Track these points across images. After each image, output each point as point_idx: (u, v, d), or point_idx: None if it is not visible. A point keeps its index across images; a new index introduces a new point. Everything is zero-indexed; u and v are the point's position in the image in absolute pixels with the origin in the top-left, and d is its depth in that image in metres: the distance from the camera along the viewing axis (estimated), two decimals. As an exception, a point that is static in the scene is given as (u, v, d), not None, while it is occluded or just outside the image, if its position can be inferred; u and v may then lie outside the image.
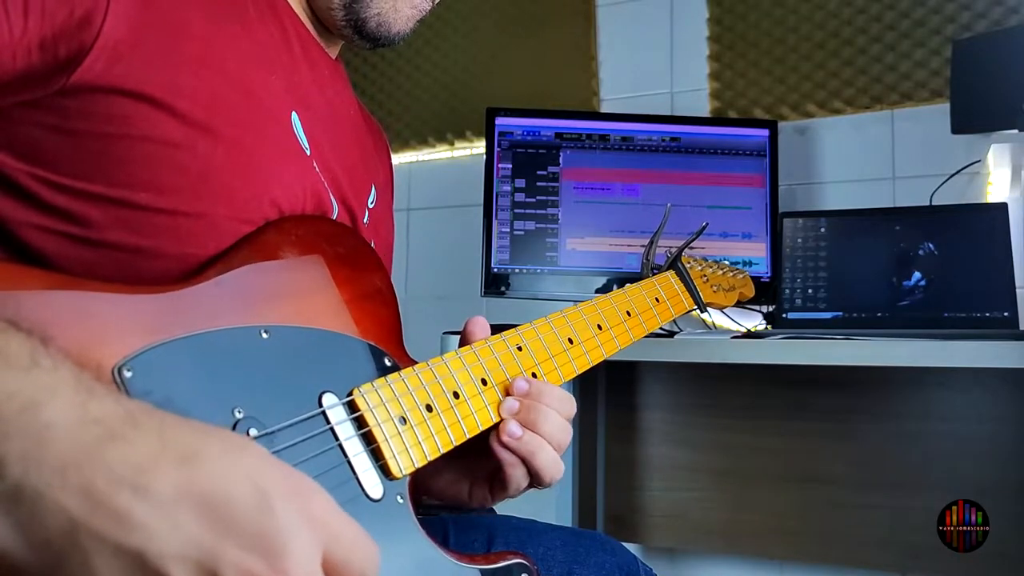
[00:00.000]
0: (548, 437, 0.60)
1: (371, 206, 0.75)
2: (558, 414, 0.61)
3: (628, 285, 0.80)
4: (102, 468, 0.35)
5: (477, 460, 0.63)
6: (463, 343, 0.64)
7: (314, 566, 0.37)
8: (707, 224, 0.98)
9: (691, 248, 0.92)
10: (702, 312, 0.90)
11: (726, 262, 1.02)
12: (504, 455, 0.59)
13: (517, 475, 0.60)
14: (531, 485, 0.62)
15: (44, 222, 0.51)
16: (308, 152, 0.63)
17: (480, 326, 0.65)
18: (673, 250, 0.89)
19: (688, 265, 0.89)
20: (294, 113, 0.62)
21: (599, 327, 0.72)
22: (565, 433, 0.61)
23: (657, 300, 0.81)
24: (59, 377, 0.37)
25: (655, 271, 0.88)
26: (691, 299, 0.87)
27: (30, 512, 0.34)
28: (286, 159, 0.60)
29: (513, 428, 0.59)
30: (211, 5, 0.58)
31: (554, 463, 0.60)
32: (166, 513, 0.35)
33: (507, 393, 0.61)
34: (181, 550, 0.35)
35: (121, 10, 0.51)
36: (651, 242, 0.88)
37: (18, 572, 0.35)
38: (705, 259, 0.96)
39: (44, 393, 0.36)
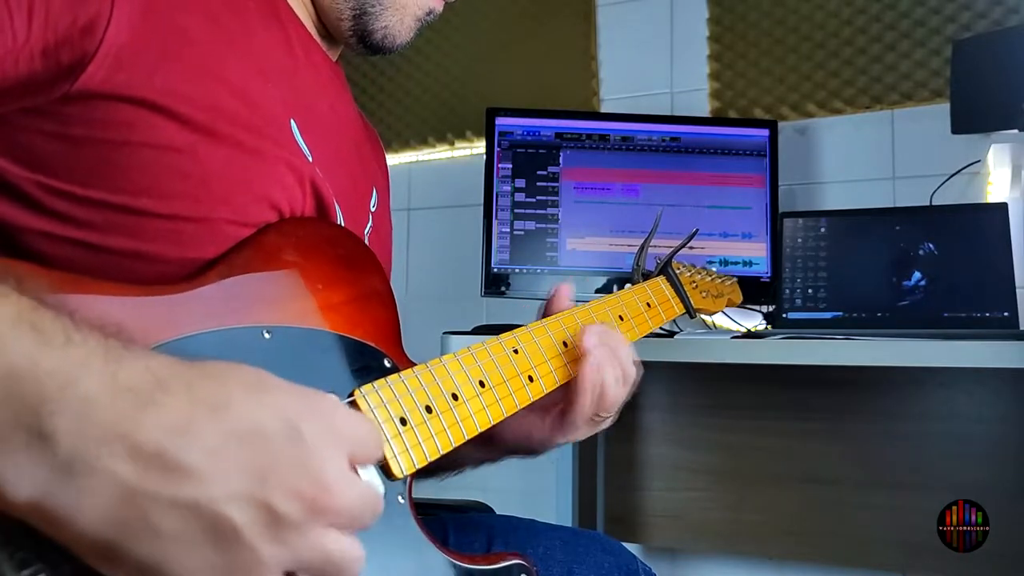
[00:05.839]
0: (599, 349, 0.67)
1: (373, 210, 0.75)
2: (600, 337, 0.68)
3: (620, 290, 0.81)
4: (143, 432, 0.37)
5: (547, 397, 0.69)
6: (548, 312, 0.71)
7: (347, 473, 0.41)
8: (697, 230, 1.00)
9: (690, 248, 0.93)
10: (691, 318, 0.91)
11: (714, 268, 1.02)
12: (587, 371, 0.66)
13: (584, 403, 0.66)
14: (597, 415, 0.69)
15: (45, 227, 0.51)
16: (310, 158, 0.63)
17: (565, 293, 0.73)
18: (663, 255, 0.90)
19: (678, 271, 0.90)
20: (294, 119, 0.62)
21: (594, 330, 0.72)
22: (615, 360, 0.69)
23: (648, 305, 0.82)
24: (89, 350, 0.38)
25: (645, 276, 0.88)
26: (681, 304, 0.88)
27: (85, 482, 0.36)
28: (287, 164, 0.60)
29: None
30: (212, 11, 0.58)
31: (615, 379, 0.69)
32: (212, 459, 0.37)
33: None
34: (235, 489, 0.37)
35: (124, 17, 0.51)
36: (641, 247, 0.89)
37: (84, 544, 0.37)
38: (694, 265, 0.97)
39: (79, 368, 0.38)
